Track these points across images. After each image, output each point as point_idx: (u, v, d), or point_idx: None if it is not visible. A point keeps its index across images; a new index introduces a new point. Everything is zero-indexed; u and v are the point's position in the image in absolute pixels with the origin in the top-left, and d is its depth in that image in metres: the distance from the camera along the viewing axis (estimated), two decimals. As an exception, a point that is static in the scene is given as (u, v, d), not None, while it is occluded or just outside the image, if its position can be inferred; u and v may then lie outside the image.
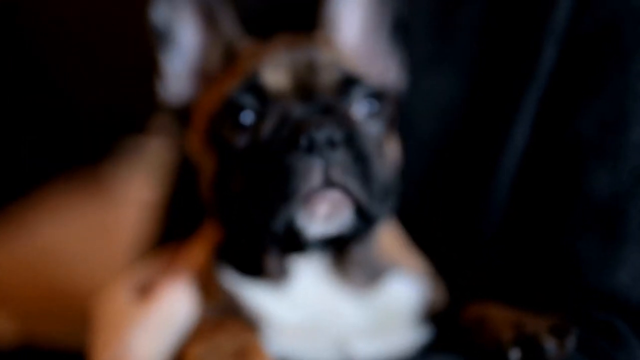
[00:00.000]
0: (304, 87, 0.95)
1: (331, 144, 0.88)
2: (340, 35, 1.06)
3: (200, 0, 1.05)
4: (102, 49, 3.00)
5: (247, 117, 0.95)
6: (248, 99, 0.95)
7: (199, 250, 1.05)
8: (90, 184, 2.66)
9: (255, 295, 0.99)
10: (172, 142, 1.54)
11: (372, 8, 1.08)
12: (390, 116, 1.00)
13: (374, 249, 1.02)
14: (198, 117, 1.03)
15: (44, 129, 2.99)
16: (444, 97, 1.18)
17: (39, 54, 3.10)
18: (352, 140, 0.90)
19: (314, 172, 0.87)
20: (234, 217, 0.95)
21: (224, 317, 0.96)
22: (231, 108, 0.96)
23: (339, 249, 0.98)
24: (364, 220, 0.92)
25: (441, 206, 1.16)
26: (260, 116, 0.94)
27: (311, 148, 0.87)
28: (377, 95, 0.98)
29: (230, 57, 1.04)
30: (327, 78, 0.96)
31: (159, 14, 1.03)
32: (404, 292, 1.03)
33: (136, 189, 2.41)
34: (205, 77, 1.06)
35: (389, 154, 0.99)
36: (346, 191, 0.89)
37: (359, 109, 0.97)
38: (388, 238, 1.05)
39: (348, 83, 0.96)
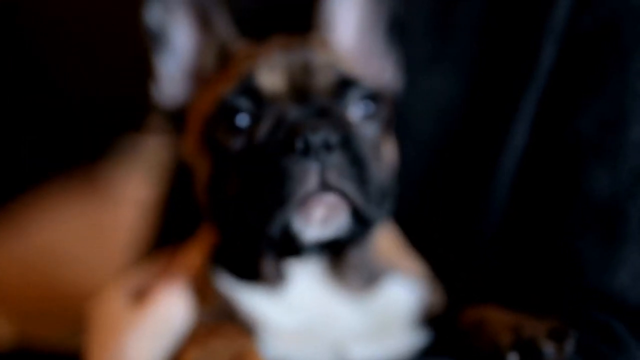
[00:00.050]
0: (300, 89, 0.94)
1: (327, 147, 0.86)
2: (336, 35, 1.05)
3: (194, 2, 1.04)
4: (102, 48, 2.99)
5: (242, 119, 0.94)
6: (243, 102, 0.94)
7: (194, 254, 1.03)
8: (87, 183, 2.65)
9: (251, 300, 0.97)
10: (169, 141, 1.52)
11: (368, 8, 1.07)
12: (387, 118, 0.99)
13: (371, 252, 1.01)
14: (192, 119, 1.02)
15: (44, 128, 2.98)
16: (443, 96, 1.17)
17: (39, 54, 3.09)
18: (348, 142, 0.89)
19: (309, 175, 0.86)
20: (229, 221, 0.93)
21: (219, 322, 0.95)
22: (226, 110, 0.94)
23: (336, 253, 0.97)
24: (361, 224, 0.91)
25: (440, 206, 1.15)
26: (256, 119, 0.93)
27: (307, 151, 0.86)
28: (373, 97, 0.97)
29: (224, 59, 1.02)
30: (322, 80, 0.94)
31: (152, 16, 1.02)
32: (401, 295, 1.01)
33: (134, 188, 2.40)
34: (199, 78, 1.05)
35: (385, 156, 0.98)
36: (342, 195, 0.88)
37: (355, 111, 0.95)
38: (385, 241, 1.04)
39: (344, 85, 0.95)
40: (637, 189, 0.96)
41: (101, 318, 1.01)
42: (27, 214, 2.48)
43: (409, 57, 1.13)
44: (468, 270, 1.09)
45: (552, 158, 1.03)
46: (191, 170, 1.02)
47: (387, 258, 1.03)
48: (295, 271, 0.98)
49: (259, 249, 0.95)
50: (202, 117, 0.98)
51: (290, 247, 0.91)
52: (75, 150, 2.93)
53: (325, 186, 0.87)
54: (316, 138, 0.86)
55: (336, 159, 0.87)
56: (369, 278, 1.00)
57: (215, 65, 1.03)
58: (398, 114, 1.08)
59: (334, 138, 0.87)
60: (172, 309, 0.96)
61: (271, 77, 0.94)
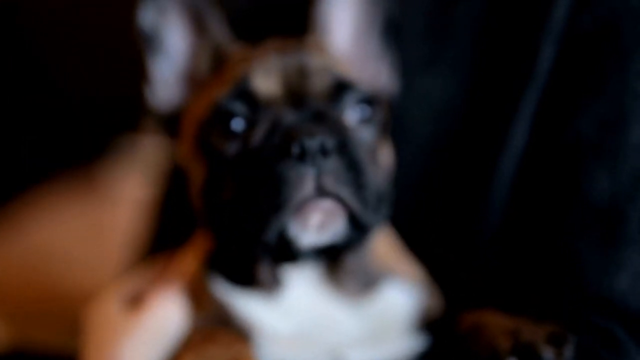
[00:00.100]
0: (295, 92, 0.92)
1: (323, 151, 0.85)
2: (331, 38, 1.04)
3: (188, 4, 1.02)
4: (102, 49, 2.98)
5: (238, 124, 0.92)
6: (238, 106, 0.92)
7: (190, 260, 1.02)
8: (85, 183, 2.65)
9: (247, 305, 0.96)
10: (165, 143, 1.51)
11: (363, 10, 1.05)
12: (383, 121, 0.98)
13: (368, 257, 1.00)
14: (187, 123, 1.00)
15: (44, 128, 2.98)
16: (441, 97, 1.16)
17: (39, 54, 3.09)
18: (344, 147, 0.88)
19: (306, 180, 0.85)
20: (224, 226, 0.92)
21: (215, 328, 0.94)
22: (221, 115, 0.93)
23: (332, 258, 0.96)
24: (358, 230, 0.89)
25: (439, 208, 1.14)
26: (251, 123, 0.92)
27: (303, 156, 0.85)
28: (370, 101, 0.95)
29: (219, 62, 1.01)
30: (318, 83, 0.93)
31: (146, 18, 1.01)
32: (398, 300, 1.00)
33: (131, 188, 2.40)
34: (193, 82, 1.04)
35: (382, 161, 0.97)
36: (339, 200, 0.87)
37: (351, 114, 0.94)
38: (382, 245, 1.03)
39: (340, 88, 0.94)
40: (637, 191, 0.95)
41: (97, 323, 1.00)
42: (25, 213, 2.47)
43: (406, 59, 1.12)
44: (468, 270, 1.08)
45: (552, 159, 1.02)
46: (186, 174, 1.00)
47: (384, 262, 1.02)
48: (292, 276, 0.97)
49: (255, 255, 0.93)
50: (196, 121, 0.97)
51: (287, 252, 0.89)
52: (74, 150, 2.92)
53: (321, 191, 0.85)
54: (312, 143, 0.84)
55: (332, 164, 0.86)
56: (366, 282, 0.99)
57: (210, 69, 1.02)
58: (396, 116, 1.07)
59: (330, 143, 0.85)
60: (167, 315, 0.95)
61: (266, 80, 0.93)
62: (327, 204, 0.86)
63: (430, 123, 1.15)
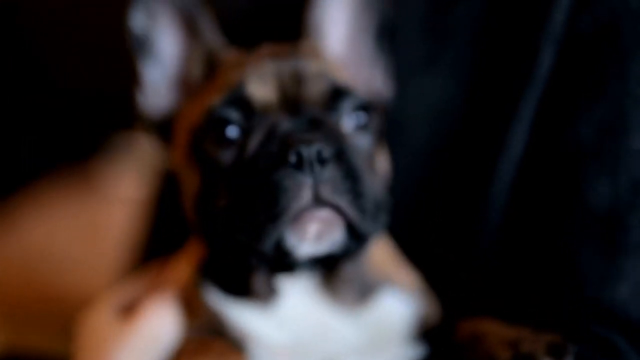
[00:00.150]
0: (291, 99, 0.90)
1: (320, 160, 0.83)
2: (325, 43, 1.02)
3: (180, 8, 1.00)
4: (101, 48, 2.97)
5: (232, 131, 0.90)
6: (233, 113, 0.90)
7: (183, 268, 1.00)
8: (81, 181, 2.65)
9: (242, 315, 0.94)
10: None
11: (357, 14, 1.04)
12: (379, 128, 0.96)
13: (365, 265, 0.98)
14: (180, 130, 0.98)
15: (42, 127, 2.97)
16: (440, 99, 1.14)
17: (39, 54, 3.08)
18: (341, 155, 0.86)
19: (303, 189, 0.83)
20: (218, 236, 0.90)
21: (209, 338, 0.92)
22: (215, 122, 0.91)
23: (329, 268, 0.94)
24: (356, 239, 0.87)
25: (438, 209, 1.12)
26: (246, 130, 0.90)
27: (300, 165, 0.83)
28: (366, 107, 0.94)
29: (212, 67, 0.99)
30: (314, 89, 0.91)
31: (136, 21, 0.98)
32: (396, 309, 0.98)
33: (127, 186, 2.39)
34: (186, 87, 1.02)
35: (379, 168, 0.95)
36: (337, 209, 0.85)
37: (348, 121, 0.92)
38: (379, 253, 1.01)
39: (336, 95, 0.92)
40: (637, 199, 0.93)
41: (89, 332, 0.99)
42: (21, 211, 2.46)
43: (405, 59, 1.11)
44: (467, 270, 1.06)
45: (551, 163, 1.00)
46: (178, 180, 0.98)
47: (381, 271, 1.00)
48: (287, 286, 0.95)
49: (251, 265, 0.91)
50: (189, 128, 0.95)
51: (283, 262, 0.88)
52: (71, 148, 2.92)
53: (319, 201, 0.83)
54: (309, 151, 0.82)
55: (330, 172, 0.84)
56: (363, 291, 0.97)
57: (203, 74, 1.00)
58: (394, 116, 1.06)
59: (327, 151, 0.83)
60: (160, 324, 0.94)
61: (261, 87, 0.91)
62: (324, 214, 0.84)
63: (429, 123, 1.13)
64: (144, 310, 0.95)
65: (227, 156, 0.89)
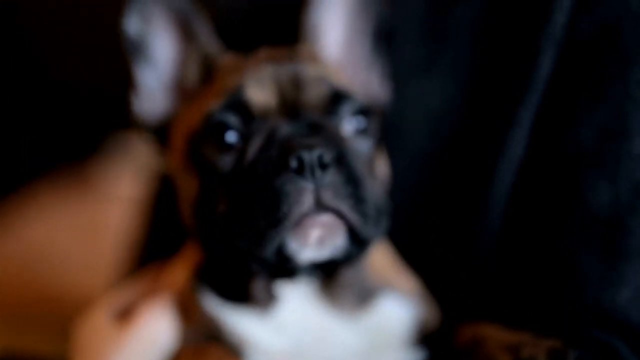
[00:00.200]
0: (290, 103, 0.89)
1: (322, 165, 0.82)
2: (322, 46, 1.01)
3: (176, 12, 0.99)
4: (102, 48, 2.95)
5: (232, 136, 0.89)
6: (232, 117, 0.89)
7: (180, 272, 0.99)
8: (79, 181, 2.64)
9: (239, 320, 0.92)
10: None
11: (354, 17, 1.02)
12: (377, 131, 0.95)
13: (364, 270, 0.97)
14: (177, 135, 0.97)
15: (41, 127, 2.96)
16: (438, 102, 1.13)
17: (39, 54, 3.07)
18: (342, 160, 0.84)
19: (304, 195, 0.81)
20: (217, 242, 0.88)
21: (206, 343, 0.91)
22: (214, 127, 0.89)
23: (329, 273, 0.92)
24: (357, 244, 0.86)
25: (438, 211, 1.11)
26: (246, 135, 0.88)
27: (301, 170, 0.81)
28: (365, 111, 0.92)
29: (208, 72, 0.97)
30: (314, 94, 0.90)
31: (131, 25, 0.97)
32: (395, 313, 0.97)
33: (125, 186, 2.38)
34: (182, 92, 1.00)
35: (378, 172, 0.94)
36: (338, 214, 0.83)
37: (348, 126, 0.91)
38: (378, 258, 0.99)
39: (336, 99, 0.90)
40: (638, 202, 0.92)
41: (86, 337, 0.98)
42: (18, 211, 2.45)
43: (403, 61, 1.10)
44: (468, 270, 1.05)
45: (551, 166, 0.99)
46: (174, 185, 0.97)
47: (380, 275, 0.99)
48: (286, 291, 0.93)
49: (250, 270, 0.90)
50: (187, 133, 0.93)
51: (284, 268, 0.86)
52: (68, 148, 2.91)
53: (320, 206, 0.82)
54: (310, 156, 0.81)
55: (331, 177, 0.82)
56: (362, 296, 0.96)
57: (199, 79, 0.98)
58: (393, 119, 1.05)
59: (328, 155, 0.82)
60: (156, 329, 0.93)
61: (260, 91, 0.89)
62: (326, 219, 0.83)
63: (429, 125, 1.12)
64: (141, 314, 0.94)
65: (226, 161, 0.88)
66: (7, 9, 3.06)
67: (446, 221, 1.09)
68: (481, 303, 1.02)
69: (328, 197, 0.82)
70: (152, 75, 0.99)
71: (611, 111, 0.95)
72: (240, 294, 0.92)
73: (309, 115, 0.88)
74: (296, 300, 0.93)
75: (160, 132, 0.99)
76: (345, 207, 0.83)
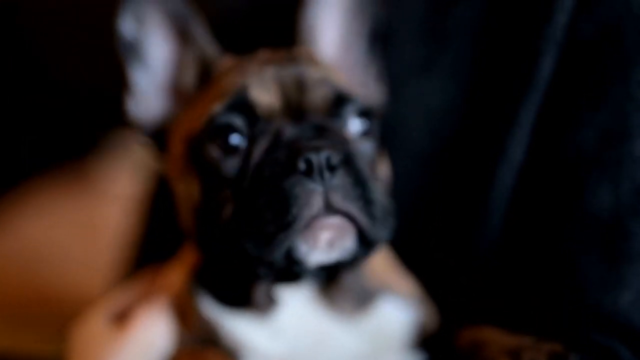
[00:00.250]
0: (294, 105, 0.87)
1: (330, 167, 0.80)
2: (318, 47, 0.99)
3: (171, 14, 0.96)
4: (102, 48, 2.94)
5: (236, 138, 0.86)
6: (236, 119, 0.86)
7: (177, 275, 0.97)
8: (76, 179, 2.62)
9: (237, 324, 0.91)
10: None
11: (350, 18, 1.00)
12: (379, 133, 0.93)
13: (364, 273, 0.95)
14: (175, 139, 0.94)
15: (43, 127, 2.95)
16: (438, 104, 1.11)
17: (39, 54, 3.05)
18: (349, 161, 0.83)
19: (314, 197, 0.80)
20: (222, 247, 0.86)
21: (202, 347, 0.89)
22: (217, 129, 0.87)
23: (333, 276, 0.91)
24: (365, 246, 0.84)
25: (437, 217, 1.09)
26: (250, 138, 0.86)
27: (310, 172, 0.80)
28: (367, 112, 0.91)
29: (206, 74, 0.95)
30: (318, 96, 0.88)
31: (126, 26, 0.95)
32: (394, 316, 0.96)
33: (123, 184, 2.36)
34: (179, 94, 0.98)
35: (380, 173, 0.92)
36: (348, 217, 0.82)
37: (351, 128, 0.89)
38: (377, 261, 0.97)
39: (340, 101, 0.89)
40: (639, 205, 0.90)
41: (82, 341, 0.97)
42: (17, 209, 2.43)
43: (403, 62, 1.09)
44: (468, 274, 1.04)
45: (552, 169, 0.98)
46: (173, 191, 0.94)
47: (379, 278, 0.97)
48: (287, 295, 0.92)
49: (254, 275, 0.87)
50: (187, 137, 0.91)
51: (292, 272, 0.85)
52: (67, 146, 2.90)
53: (329, 208, 0.80)
54: (319, 158, 0.80)
55: (340, 179, 0.81)
56: (362, 299, 0.95)
57: (197, 81, 0.96)
58: (392, 120, 1.03)
59: (336, 157, 0.81)
60: (152, 332, 0.91)
61: (265, 92, 0.87)
62: (336, 221, 0.81)
63: (429, 126, 1.11)
64: (137, 318, 0.92)
65: (231, 165, 0.86)
66: (7, 9, 3.05)
67: (446, 223, 1.08)
68: (482, 306, 1.00)
69: (337, 200, 0.81)
70: (146, 78, 0.97)
71: (612, 112, 0.93)
72: (240, 297, 0.91)
73: (314, 117, 0.87)
74: (296, 304, 0.92)
75: (158, 137, 0.97)
76: (354, 209, 0.82)
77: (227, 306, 0.91)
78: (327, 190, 0.80)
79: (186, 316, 0.93)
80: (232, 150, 0.86)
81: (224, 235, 0.84)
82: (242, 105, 0.87)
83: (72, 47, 3.02)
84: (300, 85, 0.88)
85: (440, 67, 1.11)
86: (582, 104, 0.96)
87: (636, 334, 0.89)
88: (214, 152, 0.87)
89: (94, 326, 0.96)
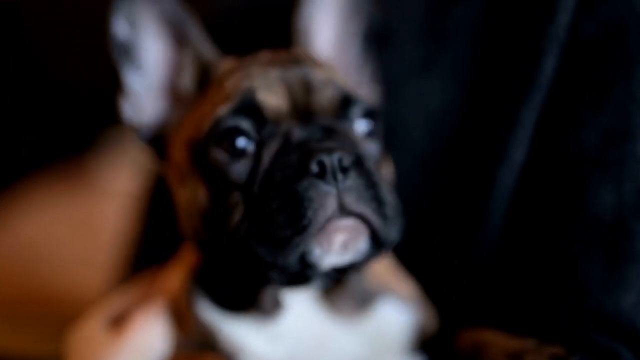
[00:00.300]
0: (302, 107, 0.85)
1: (342, 168, 0.79)
2: (314, 48, 0.98)
3: (165, 16, 0.94)
4: (102, 48, 2.93)
5: (244, 141, 0.84)
6: (244, 122, 0.84)
7: (175, 278, 0.95)
8: (74, 176, 2.61)
9: (236, 328, 0.89)
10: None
11: (345, 18, 0.99)
12: (382, 134, 0.92)
13: (364, 275, 0.94)
14: (176, 144, 0.91)
15: (43, 127, 2.94)
16: (439, 102, 1.10)
17: (39, 54, 3.04)
18: (360, 163, 0.81)
19: (328, 199, 0.78)
20: (230, 252, 0.83)
21: (200, 352, 0.88)
22: (224, 132, 0.84)
23: (341, 278, 0.89)
24: (378, 247, 0.83)
25: (438, 217, 1.08)
26: (259, 140, 0.84)
27: (323, 174, 0.78)
28: (372, 113, 0.89)
29: (205, 77, 0.93)
30: (324, 97, 0.86)
31: (119, 28, 0.92)
32: (394, 318, 0.95)
33: (121, 181, 2.35)
34: (176, 98, 0.95)
35: (385, 174, 0.91)
36: (361, 218, 0.80)
37: (358, 129, 0.88)
38: (377, 263, 0.95)
39: (346, 102, 0.87)
40: None
41: (79, 344, 0.95)
42: (15, 207, 2.42)
43: (403, 62, 1.08)
44: (470, 275, 1.02)
45: (554, 169, 0.97)
46: (173, 198, 0.92)
47: (379, 280, 0.96)
48: (291, 298, 0.90)
49: (264, 279, 0.85)
50: (189, 141, 0.88)
51: (303, 275, 0.83)
52: (65, 143, 2.90)
53: (343, 210, 0.79)
54: (331, 160, 0.78)
55: (352, 180, 0.80)
56: (362, 302, 0.93)
57: (195, 84, 0.94)
58: (393, 121, 1.02)
59: (348, 159, 0.79)
60: (149, 336, 0.90)
61: (272, 94, 0.85)
62: (350, 223, 0.80)
63: (429, 126, 1.10)
64: (134, 321, 0.91)
65: (240, 169, 0.83)
66: (7, 9, 3.04)
67: (447, 223, 1.07)
68: (483, 306, 0.99)
69: (350, 201, 0.79)
70: (140, 80, 0.94)
71: (615, 112, 0.92)
72: (243, 301, 0.89)
73: (321, 118, 0.85)
74: (300, 307, 0.90)
75: (156, 143, 0.95)
76: (367, 211, 0.80)
77: (227, 309, 0.90)
78: (340, 192, 0.79)
79: (183, 319, 0.91)
80: (239, 153, 0.84)
81: (233, 240, 0.82)
82: (250, 107, 0.84)
83: (72, 47, 3.01)
84: (307, 87, 0.86)
85: (440, 67, 1.10)
86: (585, 103, 0.94)
87: (638, 336, 0.88)
88: (220, 155, 0.84)
89: (91, 330, 0.95)
